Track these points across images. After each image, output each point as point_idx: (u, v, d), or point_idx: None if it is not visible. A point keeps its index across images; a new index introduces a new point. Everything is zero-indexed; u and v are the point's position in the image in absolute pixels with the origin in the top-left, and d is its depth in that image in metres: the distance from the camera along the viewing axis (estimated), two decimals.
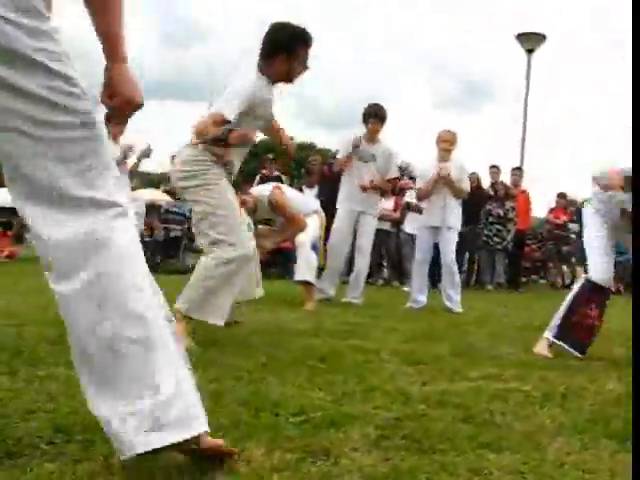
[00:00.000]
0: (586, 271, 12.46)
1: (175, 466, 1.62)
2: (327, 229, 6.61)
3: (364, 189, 6.63)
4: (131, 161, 6.33)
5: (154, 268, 9.80)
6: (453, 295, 6.73)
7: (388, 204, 11.13)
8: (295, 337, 3.99)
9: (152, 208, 10.66)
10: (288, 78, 3.79)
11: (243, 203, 6.71)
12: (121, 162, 6.34)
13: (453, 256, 6.78)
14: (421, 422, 2.20)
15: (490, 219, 11.06)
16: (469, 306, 6.81)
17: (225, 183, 3.64)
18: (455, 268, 6.81)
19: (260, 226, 6.81)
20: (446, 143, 6.73)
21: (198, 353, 3.10)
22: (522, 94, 13.83)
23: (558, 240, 12.68)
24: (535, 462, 1.86)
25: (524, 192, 11.82)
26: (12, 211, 25.27)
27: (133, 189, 11.67)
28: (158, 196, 10.83)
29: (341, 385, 2.72)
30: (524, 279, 12.77)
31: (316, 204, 6.46)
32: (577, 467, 1.85)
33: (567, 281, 12.73)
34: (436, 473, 1.72)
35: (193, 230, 3.87)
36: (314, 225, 6.14)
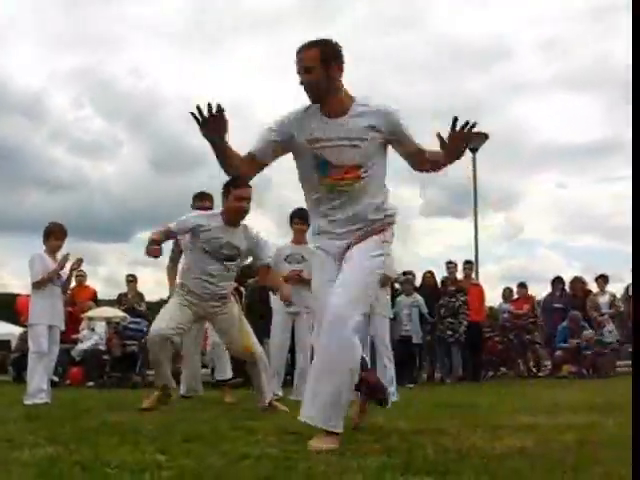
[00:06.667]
0: (553, 359, 12.35)
1: None
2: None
3: (296, 280, 6.88)
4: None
5: (113, 384, 9.99)
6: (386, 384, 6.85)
7: None
8: (187, 420, 4.15)
9: (109, 325, 10.92)
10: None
11: None
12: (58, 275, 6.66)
13: (386, 344, 6.96)
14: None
15: (442, 312, 11.29)
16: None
17: None
18: (387, 356, 6.96)
19: None
20: None
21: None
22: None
23: (520, 330, 12.85)
24: None
25: (477, 285, 12.13)
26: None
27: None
28: (114, 313, 11.12)
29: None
30: (490, 373, 12.84)
31: None
32: None
33: (534, 370, 12.81)
34: None
35: None
36: None
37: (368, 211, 3.37)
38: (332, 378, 3.13)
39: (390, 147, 3.42)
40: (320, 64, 3.23)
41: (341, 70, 3.31)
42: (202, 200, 6.64)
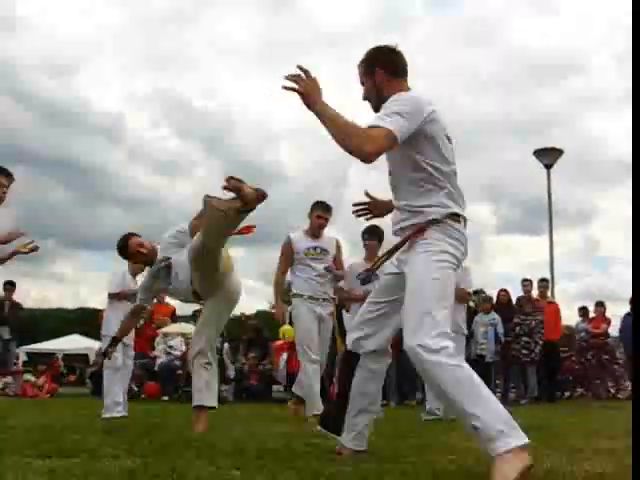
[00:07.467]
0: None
1: None
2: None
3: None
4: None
5: (187, 398, 10.11)
6: None
7: None
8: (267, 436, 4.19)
9: (184, 340, 11.11)
10: None
11: None
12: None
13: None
14: None
15: (517, 330, 11.09)
16: None
17: None
18: None
19: None
20: None
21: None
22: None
23: (598, 349, 12.51)
24: None
25: (552, 303, 11.88)
26: (76, 358, 25.68)
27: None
28: (190, 329, 11.28)
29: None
30: (567, 393, 12.53)
31: None
32: None
33: (612, 391, 12.44)
34: None
35: None
36: None
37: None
38: None
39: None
40: (367, 77, 3.25)
41: (388, 72, 3.21)
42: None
